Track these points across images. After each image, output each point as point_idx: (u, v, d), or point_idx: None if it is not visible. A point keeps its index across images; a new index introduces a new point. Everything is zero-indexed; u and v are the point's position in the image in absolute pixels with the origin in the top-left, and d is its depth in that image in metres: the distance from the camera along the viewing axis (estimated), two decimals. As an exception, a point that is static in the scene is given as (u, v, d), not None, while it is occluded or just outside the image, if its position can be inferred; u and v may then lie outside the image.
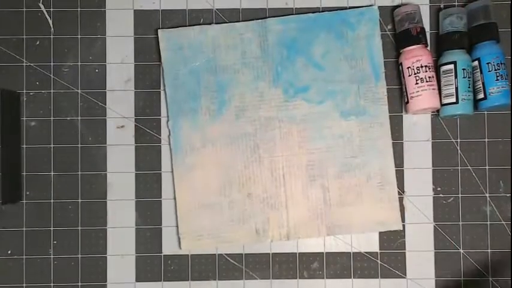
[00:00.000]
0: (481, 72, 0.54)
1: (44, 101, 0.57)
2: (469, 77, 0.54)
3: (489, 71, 0.53)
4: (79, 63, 0.57)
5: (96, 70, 0.57)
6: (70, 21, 0.57)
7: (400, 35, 0.55)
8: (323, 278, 0.56)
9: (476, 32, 0.54)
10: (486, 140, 0.56)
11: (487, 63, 0.53)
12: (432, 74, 0.54)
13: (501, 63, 0.53)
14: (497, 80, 0.53)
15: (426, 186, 0.56)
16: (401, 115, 0.57)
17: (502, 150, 0.56)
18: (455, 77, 0.53)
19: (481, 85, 0.54)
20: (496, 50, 0.54)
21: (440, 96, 0.54)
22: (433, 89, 0.54)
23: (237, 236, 0.55)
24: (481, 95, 0.54)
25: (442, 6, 0.57)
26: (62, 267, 0.56)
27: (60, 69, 0.57)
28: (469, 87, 0.54)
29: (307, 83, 0.56)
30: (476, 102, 0.55)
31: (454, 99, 0.53)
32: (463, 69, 0.53)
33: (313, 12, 0.56)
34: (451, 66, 0.53)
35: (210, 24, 0.56)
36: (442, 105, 0.54)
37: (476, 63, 0.54)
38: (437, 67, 0.55)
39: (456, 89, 0.53)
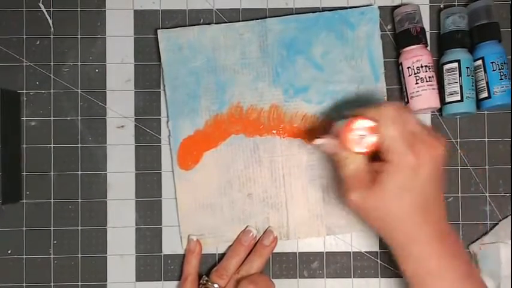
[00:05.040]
0: (485, 72, 0.54)
1: (44, 101, 0.56)
2: (472, 76, 0.54)
3: (493, 70, 0.53)
4: (79, 63, 0.57)
5: (96, 70, 0.57)
6: (70, 21, 0.57)
7: (400, 35, 0.55)
8: (323, 277, 0.56)
9: (479, 31, 0.54)
10: (486, 139, 0.56)
11: (491, 63, 0.53)
12: (432, 74, 0.54)
13: (504, 63, 0.53)
14: (501, 79, 0.53)
15: (426, 186, 0.56)
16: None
17: (502, 150, 0.56)
18: (460, 75, 0.53)
19: (484, 84, 0.54)
20: (499, 50, 0.54)
21: (441, 96, 0.54)
22: (433, 89, 0.54)
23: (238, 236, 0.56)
24: (485, 94, 0.54)
25: (442, 6, 0.57)
26: (62, 267, 0.56)
27: (60, 69, 0.57)
28: (472, 86, 0.54)
29: (307, 83, 0.56)
30: (477, 102, 0.54)
31: (458, 97, 0.53)
32: (467, 67, 0.53)
33: (313, 12, 0.56)
34: (455, 64, 0.53)
35: (209, 24, 0.56)
36: (446, 103, 0.54)
37: (479, 62, 0.54)
38: (438, 66, 0.55)
39: (461, 87, 0.53)
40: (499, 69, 0.53)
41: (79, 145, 0.56)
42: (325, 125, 0.54)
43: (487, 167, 0.56)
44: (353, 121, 0.44)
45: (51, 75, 0.57)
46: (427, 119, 0.56)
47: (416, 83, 0.53)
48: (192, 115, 0.56)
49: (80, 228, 0.56)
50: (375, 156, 0.45)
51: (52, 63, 0.57)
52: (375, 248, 0.56)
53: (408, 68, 0.54)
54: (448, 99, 0.54)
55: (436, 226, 0.44)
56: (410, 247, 0.44)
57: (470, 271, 0.44)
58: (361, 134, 0.44)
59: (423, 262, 0.44)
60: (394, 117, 0.43)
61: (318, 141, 0.48)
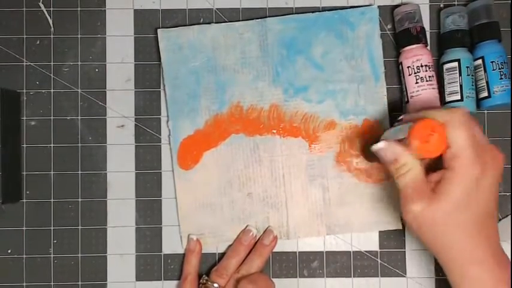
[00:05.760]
0: (485, 71, 0.54)
1: (44, 100, 0.57)
2: (472, 75, 0.54)
3: (493, 70, 0.53)
4: (79, 63, 0.57)
5: (96, 70, 0.57)
6: (70, 21, 0.57)
7: (400, 35, 0.55)
8: (323, 277, 0.56)
9: (479, 30, 0.54)
10: (486, 139, 0.56)
11: (491, 62, 0.53)
12: (432, 73, 0.54)
13: (504, 62, 0.53)
14: (501, 78, 0.53)
15: (426, 186, 0.56)
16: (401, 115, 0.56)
17: (502, 150, 0.56)
18: (460, 74, 0.53)
19: (484, 84, 0.54)
20: (499, 49, 0.54)
21: (441, 95, 0.54)
22: (433, 88, 0.54)
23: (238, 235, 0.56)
24: (485, 94, 0.54)
25: (441, 5, 0.57)
26: (62, 267, 0.56)
27: (60, 69, 0.57)
28: (472, 85, 0.54)
29: (307, 82, 0.56)
30: (477, 101, 0.55)
31: (458, 97, 0.53)
32: (467, 67, 0.53)
33: (313, 12, 0.56)
34: (455, 64, 0.53)
35: (209, 23, 0.56)
36: (446, 103, 0.54)
37: (479, 61, 0.54)
38: (438, 66, 0.55)
39: (461, 86, 0.53)
40: (499, 69, 0.53)
41: (79, 145, 0.56)
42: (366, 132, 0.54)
43: (487, 166, 0.56)
44: (422, 122, 0.41)
45: (51, 75, 0.57)
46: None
47: (416, 83, 0.53)
48: (192, 115, 0.56)
49: (80, 227, 0.56)
50: (432, 167, 0.43)
51: (52, 63, 0.57)
52: (375, 247, 0.56)
53: (408, 67, 0.54)
54: (448, 99, 0.54)
55: (492, 245, 0.42)
56: (466, 267, 0.42)
57: None
58: (429, 136, 0.41)
59: (480, 284, 0.42)
60: (464, 122, 0.41)
61: (378, 146, 0.44)
